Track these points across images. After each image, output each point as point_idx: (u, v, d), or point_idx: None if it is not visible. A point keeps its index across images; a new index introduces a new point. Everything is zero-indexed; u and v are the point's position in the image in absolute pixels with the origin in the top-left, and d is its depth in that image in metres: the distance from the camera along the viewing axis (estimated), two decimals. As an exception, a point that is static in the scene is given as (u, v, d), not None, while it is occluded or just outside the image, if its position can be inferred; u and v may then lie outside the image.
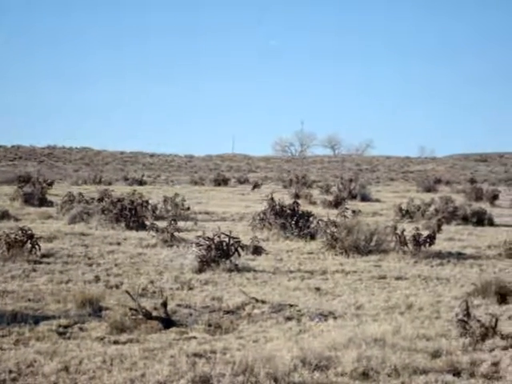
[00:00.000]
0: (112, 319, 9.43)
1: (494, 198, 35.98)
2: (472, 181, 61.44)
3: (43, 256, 14.96)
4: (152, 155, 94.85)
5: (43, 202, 28.57)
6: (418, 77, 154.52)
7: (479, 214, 24.70)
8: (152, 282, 12.45)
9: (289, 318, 10.03)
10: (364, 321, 9.85)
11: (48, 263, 14.30)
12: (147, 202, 23.13)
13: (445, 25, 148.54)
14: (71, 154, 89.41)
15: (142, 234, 18.81)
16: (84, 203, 23.76)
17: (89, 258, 15.05)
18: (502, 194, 39.87)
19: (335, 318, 10.11)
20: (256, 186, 47.17)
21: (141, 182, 48.98)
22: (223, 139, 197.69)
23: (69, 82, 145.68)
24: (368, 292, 12.09)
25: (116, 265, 14.31)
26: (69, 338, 8.95)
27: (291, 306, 10.75)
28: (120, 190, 32.29)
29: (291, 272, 13.89)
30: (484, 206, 29.32)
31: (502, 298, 11.03)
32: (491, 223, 24.52)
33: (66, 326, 9.44)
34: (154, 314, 9.73)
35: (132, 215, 20.84)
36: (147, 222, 20.25)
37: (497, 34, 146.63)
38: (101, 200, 23.58)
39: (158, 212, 23.90)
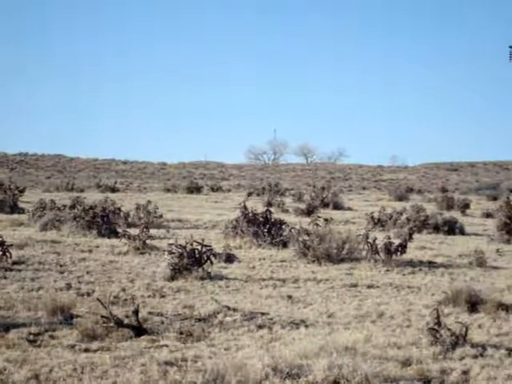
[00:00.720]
0: (83, 327, 9.40)
1: (465, 207, 36.20)
2: (443, 190, 61.78)
3: (14, 263, 14.87)
4: (125, 162, 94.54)
5: (15, 209, 28.42)
6: (389, 86, 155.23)
7: (450, 223, 24.85)
8: (124, 290, 12.42)
9: (260, 326, 10.04)
10: (335, 329, 9.88)
11: (19, 270, 14.21)
12: (119, 209, 23.07)
13: (416, 38, 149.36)
14: (43, 161, 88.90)
15: (114, 241, 18.74)
16: (56, 210, 23.63)
17: (60, 266, 14.98)
18: (473, 203, 40.11)
19: (307, 326, 10.13)
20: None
21: (113, 190, 48.83)
22: (196, 147, 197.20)
23: (39, 86, 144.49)
24: (340, 300, 12.12)
25: (87, 272, 14.25)
26: (39, 346, 8.90)
27: (263, 314, 10.76)
28: (92, 197, 32.19)
29: (263, 280, 13.90)
30: (455, 215, 29.51)
31: (473, 306, 11.10)
32: (462, 232, 24.68)
33: (36, 334, 9.39)
34: (126, 321, 9.69)
35: (104, 222, 20.77)
36: (119, 230, 20.18)
37: (464, 47, 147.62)
38: (73, 207, 23.48)
39: (130, 219, 23.83)
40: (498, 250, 18.93)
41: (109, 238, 19.75)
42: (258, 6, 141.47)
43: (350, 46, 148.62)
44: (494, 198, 49.67)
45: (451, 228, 24.59)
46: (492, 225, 24.58)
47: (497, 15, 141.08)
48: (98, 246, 18.02)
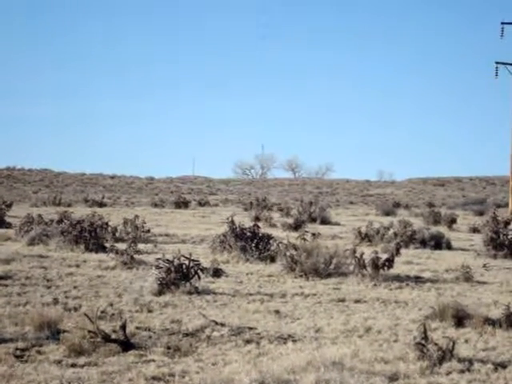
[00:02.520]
0: (70, 342, 9.37)
1: (452, 221, 36.29)
2: (430, 205, 61.86)
3: (1, 278, 14.82)
4: (112, 177, 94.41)
5: (1, 223, 28.37)
6: (376, 101, 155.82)
7: (437, 238, 24.89)
8: (111, 305, 12.40)
9: (248, 341, 10.03)
10: (323, 344, 9.89)
11: (6, 285, 14.16)
12: (107, 223, 23.01)
13: (406, 53, 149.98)
14: (31, 176, 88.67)
15: (102, 256, 18.71)
16: (43, 225, 23.55)
17: (47, 280, 14.93)
18: (460, 218, 40.22)
19: (294, 341, 10.13)
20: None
21: (101, 204, 48.73)
22: (184, 161, 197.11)
23: (26, 99, 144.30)
24: (327, 315, 12.13)
25: (75, 287, 14.22)
26: (26, 361, 8.88)
27: (250, 328, 10.77)
28: (80, 211, 32.10)
29: (251, 295, 13.90)
30: (442, 229, 29.57)
31: (459, 321, 11.13)
32: (449, 247, 24.72)
33: (23, 349, 9.36)
34: (113, 336, 9.68)
35: (91, 237, 20.73)
36: (107, 244, 20.16)
37: (456, 59, 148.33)
38: (60, 222, 23.40)
39: (117, 234, 23.77)
40: (484, 265, 18.99)
41: (96, 252, 19.71)
42: (249, 21, 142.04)
43: (338, 60, 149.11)
44: (481, 213, 49.79)
45: (438, 243, 24.63)
46: (479, 240, 24.64)
47: (484, 31, 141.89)
48: (85, 261, 17.98)
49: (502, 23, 55.62)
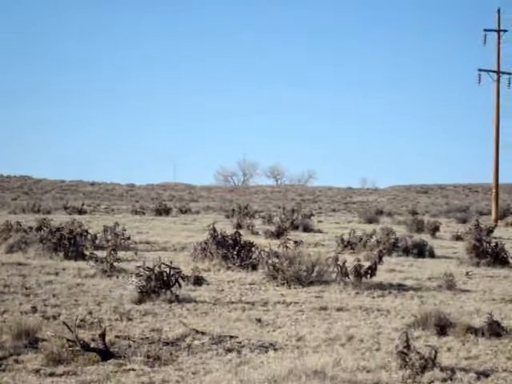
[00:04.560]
0: (48, 351, 9.25)
1: (435, 229, 36.31)
2: (413, 212, 62.01)
3: (-21, 286, 14.67)
4: (92, 184, 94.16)
5: (-20, 230, 28.07)
6: (358, 107, 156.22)
7: (420, 246, 24.87)
8: (90, 313, 12.26)
9: (229, 350, 9.94)
10: (305, 352, 9.80)
11: (-16, 293, 14.01)
12: (87, 231, 22.87)
13: (386, 61, 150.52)
14: (10, 183, 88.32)
15: (81, 263, 18.57)
16: (22, 232, 23.37)
17: (26, 288, 14.77)
18: (443, 226, 40.28)
19: (276, 349, 10.04)
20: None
21: (80, 211, 48.49)
22: (165, 168, 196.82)
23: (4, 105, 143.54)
24: (309, 323, 12.05)
25: (54, 295, 14.07)
26: (4, 371, 8.75)
27: (232, 337, 10.67)
28: (59, 218, 31.94)
29: (232, 303, 13.80)
30: (425, 237, 29.57)
31: (442, 329, 11.08)
32: (432, 255, 24.70)
33: (1, 358, 9.23)
34: (92, 345, 9.56)
35: (71, 245, 20.57)
36: (86, 252, 20.02)
37: (440, 66, 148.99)
38: (39, 229, 23.24)
39: (97, 242, 23.61)
40: (467, 273, 18.97)
41: (76, 260, 19.56)
42: (228, 31, 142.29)
43: (319, 67, 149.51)
44: (464, 221, 49.93)
45: (421, 251, 24.61)
46: (461, 247, 24.64)
47: (464, 39, 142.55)
48: (64, 269, 17.82)
49: (485, 30, 55.94)
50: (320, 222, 45.04)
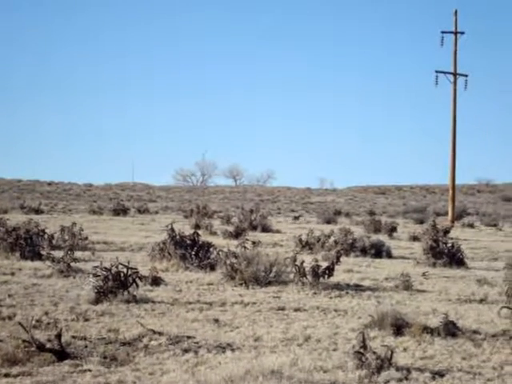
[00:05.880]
0: (3, 351, 9.15)
1: (393, 230, 36.57)
2: (371, 213, 62.40)
3: None
4: (50, 183, 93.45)
5: None
6: (317, 108, 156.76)
7: (377, 246, 25.04)
8: (46, 314, 12.15)
9: (186, 350, 9.91)
10: (262, 353, 9.80)
11: None
12: (44, 231, 22.69)
13: (340, 67, 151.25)
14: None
15: (38, 263, 18.41)
16: (-22, 232, 23.12)
17: (-19, 289, 14.62)
18: (400, 227, 40.57)
19: (233, 349, 10.04)
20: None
21: (38, 211, 48.13)
22: (123, 168, 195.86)
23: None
24: (266, 324, 12.06)
25: (9, 295, 13.92)
26: (-43, 372, 8.64)
27: (189, 337, 10.64)
28: (16, 218, 31.60)
29: (190, 303, 13.76)
30: (382, 238, 29.76)
31: (398, 329, 11.14)
32: (389, 255, 24.88)
33: (-46, 360, 9.12)
34: (48, 346, 9.47)
35: (27, 244, 20.39)
36: (43, 252, 19.87)
37: (397, 68, 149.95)
38: (-4, 229, 23.01)
39: (54, 242, 23.45)
40: (424, 274, 19.12)
41: (32, 260, 19.39)
42: (190, 35, 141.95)
43: (279, 67, 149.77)
44: (421, 222, 50.40)
45: (378, 251, 24.78)
46: (418, 248, 24.84)
47: (424, 40, 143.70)
48: (20, 269, 17.66)
49: (442, 32, 56.47)
50: (279, 222, 45.15)
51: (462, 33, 56.17)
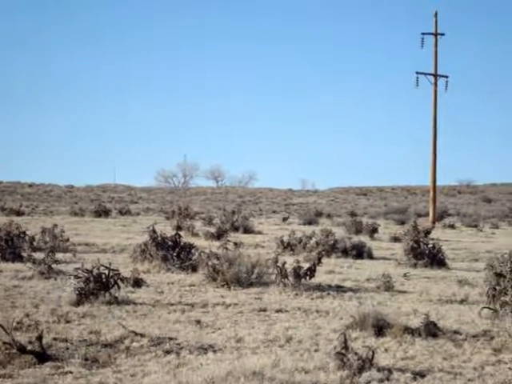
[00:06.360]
0: (-17, 354, 9.12)
1: (374, 231, 36.65)
2: (352, 214, 62.52)
3: None
4: (31, 185, 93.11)
5: None
6: (298, 110, 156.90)
7: (359, 247, 25.09)
8: (27, 316, 12.10)
9: (168, 352, 9.90)
10: (243, 354, 9.81)
11: None
12: (24, 232, 22.59)
13: (319, 67, 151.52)
14: None
15: (19, 265, 18.35)
16: (-42, 234, 23.00)
17: (-39, 291, 14.55)
18: (382, 228, 40.67)
19: (215, 351, 10.03)
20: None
21: (18, 213, 47.96)
22: (105, 169, 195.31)
23: None
24: (248, 325, 12.06)
25: (-10, 297, 13.88)
26: None
27: (171, 339, 10.62)
28: (-3, 220, 31.47)
29: (172, 305, 13.75)
30: (364, 239, 29.82)
31: (379, 330, 11.17)
32: (370, 256, 24.94)
33: None
34: (29, 348, 9.44)
35: (8, 246, 20.32)
36: (24, 254, 19.79)
37: (379, 69, 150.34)
38: (-24, 230, 22.90)
39: (35, 243, 23.35)
40: (405, 274, 19.18)
41: (13, 262, 19.33)
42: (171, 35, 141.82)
43: (259, 72, 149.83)
44: (402, 223, 50.56)
45: (360, 252, 24.83)
46: (399, 249, 24.91)
47: (403, 41, 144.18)
48: (1, 271, 17.61)
49: (422, 33, 56.69)
50: (260, 223, 45.17)
51: (442, 34, 56.43)
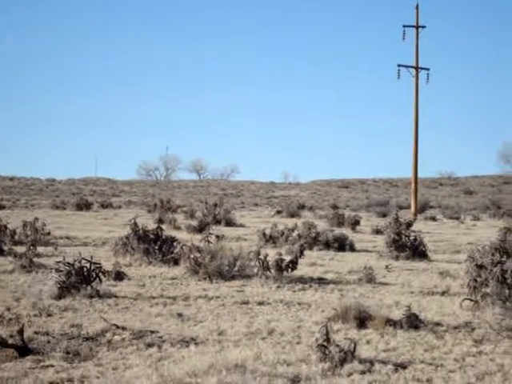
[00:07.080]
0: (-36, 348, 9.07)
1: (356, 223, 36.74)
2: (334, 206, 62.66)
3: None
4: (11, 178, 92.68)
5: None
6: (280, 103, 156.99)
7: (341, 240, 25.13)
8: (8, 309, 12.05)
9: (149, 345, 9.87)
10: (225, 347, 9.80)
11: None
12: (5, 226, 22.52)
13: (304, 60, 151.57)
14: None
15: (0, 259, 18.26)
16: None
17: None
18: (363, 220, 40.76)
19: (197, 344, 10.02)
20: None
21: None
22: (86, 162, 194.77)
23: None
24: (230, 317, 12.06)
25: (-29, 291, 13.82)
26: None
27: (152, 332, 10.61)
28: (-22, 213, 31.35)
29: (153, 298, 13.72)
30: (346, 231, 29.89)
31: (361, 322, 11.19)
32: (352, 248, 24.98)
33: None
34: (10, 341, 9.39)
35: (-11, 240, 20.24)
36: (5, 247, 19.71)
37: (360, 61, 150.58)
38: (-43, 224, 22.79)
39: (16, 237, 23.30)
40: (386, 267, 19.23)
41: (-6, 256, 19.25)
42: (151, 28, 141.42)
43: (241, 62, 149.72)
44: (384, 215, 50.69)
45: (341, 244, 24.87)
46: (381, 241, 24.97)
47: (384, 34, 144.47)
48: (-18, 265, 17.53)
49: (404, 26, 56.84)
50: (242, 216, 45.17)
51: (424, 27, 56.57)
